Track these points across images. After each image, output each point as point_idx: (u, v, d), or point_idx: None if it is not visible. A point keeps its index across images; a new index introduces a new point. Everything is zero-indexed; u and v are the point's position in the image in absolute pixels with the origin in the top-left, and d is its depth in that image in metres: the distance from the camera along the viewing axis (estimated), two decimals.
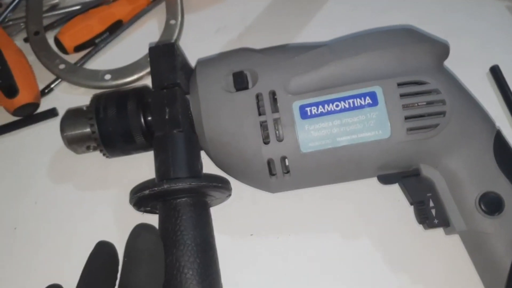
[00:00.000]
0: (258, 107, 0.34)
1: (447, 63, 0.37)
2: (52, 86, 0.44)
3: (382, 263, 0.37)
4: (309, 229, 0.38)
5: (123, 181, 0.39)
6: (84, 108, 0.39)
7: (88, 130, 0.37)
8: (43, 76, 0.44)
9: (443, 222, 0.34)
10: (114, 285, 0.33)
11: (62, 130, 0.38)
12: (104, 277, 0.33)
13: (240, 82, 0.35)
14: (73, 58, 0.45)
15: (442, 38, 0.38)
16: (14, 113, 0.42)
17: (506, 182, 0.32)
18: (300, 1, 0.47)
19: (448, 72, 0.36)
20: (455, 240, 0.36)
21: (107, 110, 0.37)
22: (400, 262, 0.36)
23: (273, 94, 0.34)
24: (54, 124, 0.42)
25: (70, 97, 0.43)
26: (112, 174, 0.40)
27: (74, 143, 0.38)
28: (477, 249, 0.33)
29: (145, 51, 0.43)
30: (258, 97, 0.34)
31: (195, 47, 0.44)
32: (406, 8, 0.46)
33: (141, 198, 0.32)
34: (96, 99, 0.38)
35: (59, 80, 0.44)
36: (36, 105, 0.43)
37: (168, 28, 0.44)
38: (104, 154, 0.39)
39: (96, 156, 0.40)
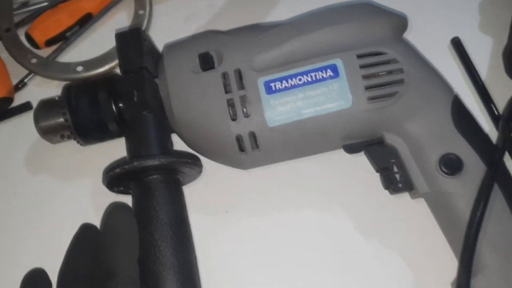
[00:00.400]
0: (225, 86, 0.35)
1: (410, 37, 0.38)
2: (26, 80, 0.44)
3: (354, 230, 0.38)
4: (282, 204, 0.39)
5: (100, 168, 0.39)
6: (57, 98, 0.39)
7: (61, 120, 0.38)
8: (16, 72, 0.44)
9: (407, 186, 0.35)
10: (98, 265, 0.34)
11: (36, 121, 0.39)
12: (89, 258, 0.34)
13: (206, 62, 0.35)
14: (45, 52, 0.45)
15: (401, 11, 0.38)
16: None
17: (464, 144, 0.33)
18: None
19: (406, 43, 0.37)
20: (421, 204, 0.36)
21: (79, 99, 0.38)
22: (371, 228, 0.38)
23: (238, 72, 0.35)
24: (29, 118, 0.42)
25: (43, 90, 0.43)
26: (89, 162, 0.40)
27: (48, 133, 0.39)
28: (440, 209, 0.34)
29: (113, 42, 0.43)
30: (224, 76, 0.35)
31: (165, 36, 0.44)
32: None
33: (113, 177, 0.32)
34: (67, 88, 0.38)
35: (32, 74, 0.44)
36: (10, 99, 0.43)
37: (137, 18, 0.45)
38: (78, 142, 0.39)
39: (72, 145, 0.40)
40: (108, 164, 0.38)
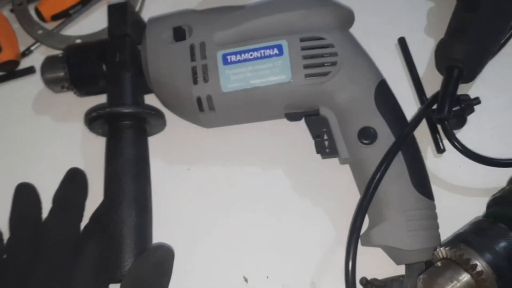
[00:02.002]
0: (191, 55, 0.40)
1: (364, 34, 0.42)
2: (32, 48, 0.50)
3: (291, 189, 0.42)
4: (235, 164, 0.44)
5: None
6: (60, 56, 0.45)
7: (61, 73, 0.44)
8: (24, 41, 0.50)
9: (333, 151, 0.40)
10: (83, 208, 0.40)
11: (42, 72, 0.45)
12: (75, 202, 0.40)
13: (178, 35, 0.41)
14: (50, 25, 0.50)
15: (348, 6, 0.43)
16: None
17: (381, 120, 0.38)
18: None
19: (347, 33, 0.41)
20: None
21: (76, 57, 0.44)
22: (304, 187, 0.42)
23: (203, 44, 0.40)
24: (31, 80, 0.49)
25: None
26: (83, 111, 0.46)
27: (51, 83, 0.45)
28: (356, 173, 0.40)
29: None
30: (191, 47, 0.40)
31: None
32: None
33: (90, 119, 0.38)
34: (68, 48, 0.45)
35: (38, 43, 0.50)
36: (17, 62, 0.49)
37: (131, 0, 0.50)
38: (75, 93, 0.45)
39: (71, 96, 0.46)
40: None
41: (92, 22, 0.50)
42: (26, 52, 0.49)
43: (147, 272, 0.35)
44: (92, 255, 0.37)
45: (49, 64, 0.45)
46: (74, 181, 0.42)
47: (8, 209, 0.41)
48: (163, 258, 0.36)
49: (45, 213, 0.41)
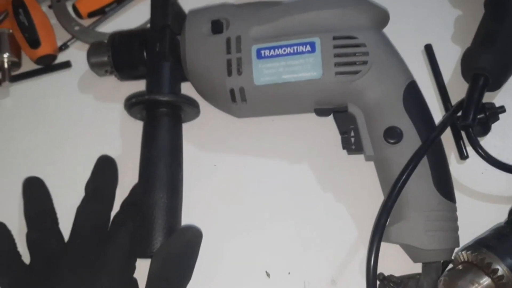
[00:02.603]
0: (227, 48, 0.41)
1: (393, 38, 0.42)
2: (68, 43, 0.51)
3: (315, 184, 0.43)
4: (262, 155, 0.44)
5: None
6: (105, 42, 0.47)
7: (105, 58, 0.46)
8: (61, 36, 0.51)
9: (358, 148, 0.40)
10: (114, 197, 0.41)
11: (88, 57, 0.47)
12: (106, 191, 0.41)
13: (216, 28, 0.42)
14: (86, 22, 0.52)
15: (383, 6, 0.42)
16: (36, 61, 0.49)
17: (408, 121, 0.38)
18: None
19: (381, 33, 0.41)
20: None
21: (119, 44, 0.45)
22: (328, 183, 0.43)
23: (239, 38, 0.41)
24: (67, 73, 0.50)
25: (81, 53, 0.49)
26: (124, 95, 0.47)
27: (95, 67, 0.47)
28: (380, 171, 0.40)
29: (146, 18, 0.49)
30: (228, 40, 0.41)
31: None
32: None
33: (129, 105, 0.40)
34: (112, 35, 0.46)
35: (74, 39, 0.51)
36: (54, 56, 0.50)
37: None
38: (116, 77, 0.47)
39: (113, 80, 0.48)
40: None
41: (126, 20, 0.52)
42: (63, 47, 0.51)
43: (177, 250, 0.36)
44: (123, 241, 0.38)
45: (94, 49, 0.47)
46: (105, 170, 0.43)
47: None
48: (192, 238, 0.38)
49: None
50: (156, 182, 0.38)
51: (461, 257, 0.33)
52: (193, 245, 0.37)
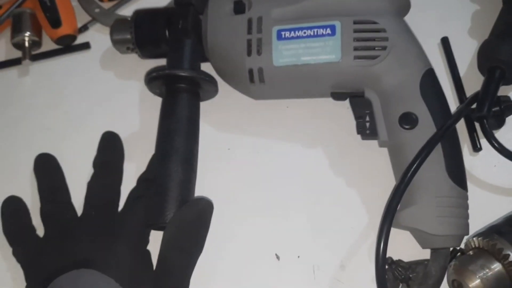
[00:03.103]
0: (248, 28, 0.41)
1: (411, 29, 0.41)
2: (88, 25, 0.51)
3: (328, 168, 0.43)
4: (277, 138, 0.44)
5: None
6: (129, 19, 0.47)
7: (128, 36, 0.46)
8: (82, 18, 0.51)
9: (373, 133, 0.40)
10: (122, 171, 0.42)
11: (111, 33, 0.47)
12: (114, 165, 0.42)
13: (238, 8, 0.42)
14: (107, 5, 0.52)
15: None
16: (56, 41, 0.50)
17: (424, 107, 0.38)
18: None
19: (401, 19, 0.41)
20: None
21: (143, 22, 0.46)
22: (341, 168, 0.43)
23: (260, 19, 0.41)
24: (86, 54, 0.50)
25: (101, 35, 0.50)
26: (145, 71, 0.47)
27: (117, 43, 0.47)
28: (394, 156, 0.40)
29: (165, 3, 0.49)
30: (249, 20, 0.41)
31: None
32: None
33: (150, 79, 0.40)
34: (136, 13, 0.47)
35: (94, 21, 0.51)
36: (74, 37, 0.50)
37: None
38: (138, 54, 0.47)
39: (134, 57, 0.48)
40: None
41: (147, 3, 0.51)
42: (83, 29, 0.51)
43: (189, 219, 0.37)
44: (138, 212, 0.39)
45: (118, 26, 0.47)
46: (110, 144, 0.44)
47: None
48: (204, 208, 0.38)
49: None
50: (172, 155, 0.38)
51: (472, 244, 0.32)
52: (205, 214, 0.37)
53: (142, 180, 0.41)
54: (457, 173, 0.37)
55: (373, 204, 0.41)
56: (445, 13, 0.48)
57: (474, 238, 0.32)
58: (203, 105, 0.45)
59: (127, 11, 0.52)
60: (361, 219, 0.41)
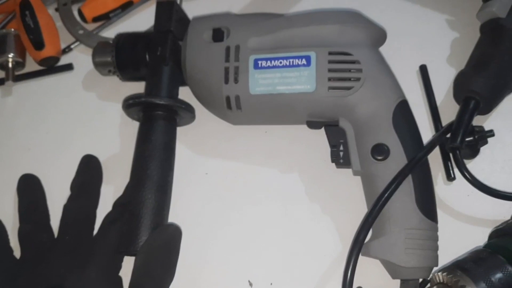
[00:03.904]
0: (226, 56, 0.41)
1: (387, 57, 0.42)
2: (72, 46, 0.52)
3: (303, 195, 0.43)
4: (253, 163, 0.44)
5: None
6: (110, 42, 0.47)
7: (109, 58, 0.46)
8: (66, 39, 0.52)
9: (346, 162, 0.40)
10: (99, 194, 0.42)
11: (93, 56, 0.48)
12: (91, 188, 0.42)
13: (217, 36, 0.42)
14: (90, 27, 0.52)
15: (381, 25, 0.42)
16: (39, 63, 0.50)
17: (396, 139, 0.38)
18: None
19: (376, 51, 0.41)
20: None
21: (124, 45, 0.46)
22: (316, 195, 0.43)
23: (238, 47, 0.41)
24: (69, 75, 0.51)
25: (84, 56, 0.50)
26: (124, 94, 0.47)
27: (99, 66, 0.47)
28: (366, 186, 0.40)
29: (148, 25, 0.50)
30: (227, 48, 0.42)
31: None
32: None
33: (127, 105, 0.40)
34: (118, 36, 0.47)
35: (78, 42, 0.52)
36: (57, 59, 0.51)
37: None
38: (119, 77, 0.47)
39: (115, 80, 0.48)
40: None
41: (130, 26, 0.52)
42: (66, 50, 0.51)
43: (159, 247, 0.37)
44: (111, 237, 0.39)
45: (99, 49, 0.47)
46: (89, 168, 0.44)
47: None
48: (173, 235, 0.38)
49: None
50: (145, 182, 0.38)
51: (437, 278, 0.33)
52: (173, 240, 0.38)
53: (118, 204, 0.41)
54: (427, 206, 0.37)
55: (347, 232, 0.40)
56: (424, 40, 0.49)
57: (439, 273, 0.32)
58: (181, 130, 0.46)
59: (111, 33, 0.52)
60: (335, 247, 0.41)
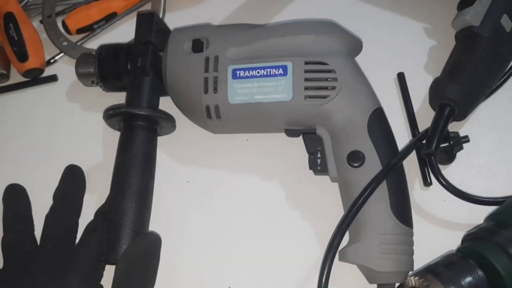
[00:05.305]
0: (205, 66, 0.42)
1: (365, 65, 0.43)
2: (56, 58, 0.52)
3: (283, 202, 0.43)
4: (233, 171, 0.45)
5: None
6: (93, 53, 0.48)
7: (92, 69, 0.47)
8: (50, 50, 0.52)
9: (323, 169, 0.41)
10: (81, 203, 0.42)
11: (76, 67, 0.48)
12: (73, 198, 0.42)
13: (196, 46, 0.43)
14: (75, 38, 0.53)
15: (357, 35, 0.43)
16: (23, 74, 0.50)
17: (371, 146, 0.39)
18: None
19: (351, 60, 0.42)
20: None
21: (106, 57, 0.46)
22: (295, 201, 0.43)
23: (217, 58, 0.42)
24: (53, 86, 0.51)
25: (68, 68, 0.50)
26: (107, 104, 0.48)
27: (82, 77, 0.48)
28: (343, 192, 0.40)
29: (132, 36, 0.49)
30: (206, 59, 0.42)
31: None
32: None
33: (108, 116, 0.41)
34: (100, 47, 0.47)
35: (62, 54, 0.52)
36: (41, 70, 0.51)
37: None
38: (101, 88, 0.48)
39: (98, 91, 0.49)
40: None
41: (114, 37, 0.53)
42: (51, 61, 0.52)
43: (139, 255, 0.37)
44: (93, 245, 0.39)
45: (82, 60, 0.48)
46: (72, 177, 0.44)
47: None
48: (152, 243, 0.38)
49: None
50: (126, 191, 0.39)
51: (409, 283, 0.33)
52: (153, 248, 0.38)
53: (100, 213, 0.42)
54: (401, 211, 0.38)
55: (325, 237, 0.41)
56: (402, 48, 0.50)
57: (411, 278, 0.33)
58: (163, 139, 0.46)
59: (95, 44, 0.53)
60: (314, 252, 0.41)
